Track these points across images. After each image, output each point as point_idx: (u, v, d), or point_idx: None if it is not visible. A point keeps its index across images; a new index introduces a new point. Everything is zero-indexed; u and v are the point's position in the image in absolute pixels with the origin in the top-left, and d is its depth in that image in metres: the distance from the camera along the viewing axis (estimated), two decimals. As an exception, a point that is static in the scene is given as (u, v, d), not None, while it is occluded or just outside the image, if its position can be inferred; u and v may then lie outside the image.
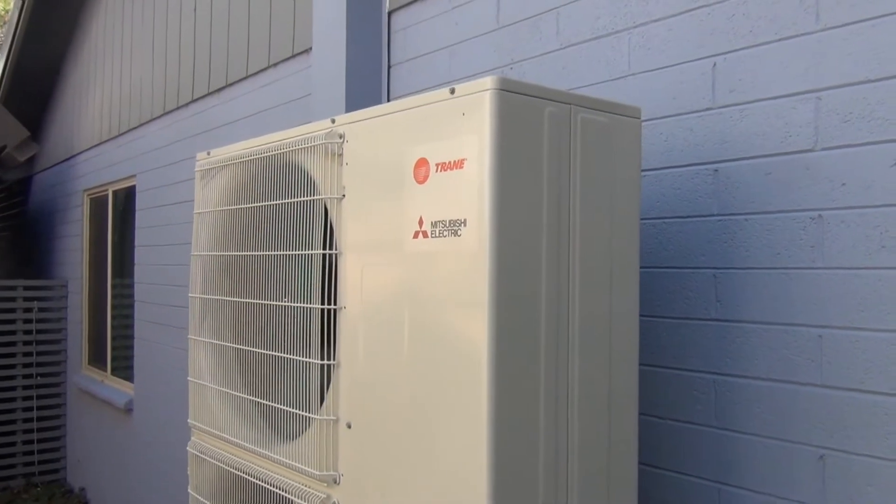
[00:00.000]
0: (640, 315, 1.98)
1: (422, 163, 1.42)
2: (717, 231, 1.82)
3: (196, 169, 2.18)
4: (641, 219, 1.99)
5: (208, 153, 2.15)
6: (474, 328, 1.30)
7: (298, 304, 1.72)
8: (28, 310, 7.10)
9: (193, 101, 4.68)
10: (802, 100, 1.67)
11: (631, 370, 1.54)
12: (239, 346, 1.96)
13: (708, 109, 1.85)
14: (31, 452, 7.12)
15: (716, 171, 1.83)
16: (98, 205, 6.67)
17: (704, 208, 1.85)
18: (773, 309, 1.71)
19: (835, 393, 1.61)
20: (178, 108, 4.94)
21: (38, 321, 7.18)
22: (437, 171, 1.39)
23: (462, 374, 1.32)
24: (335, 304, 1.63)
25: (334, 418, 1.62)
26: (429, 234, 1.40)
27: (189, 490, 2.18)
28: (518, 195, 1.31)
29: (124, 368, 6.01)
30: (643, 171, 1.99)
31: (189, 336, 2.18)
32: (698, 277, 1.86)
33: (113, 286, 6.33)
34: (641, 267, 1.98)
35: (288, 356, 1.75)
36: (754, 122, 1.76)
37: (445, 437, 1.35)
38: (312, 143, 1.69)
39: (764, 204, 1.73)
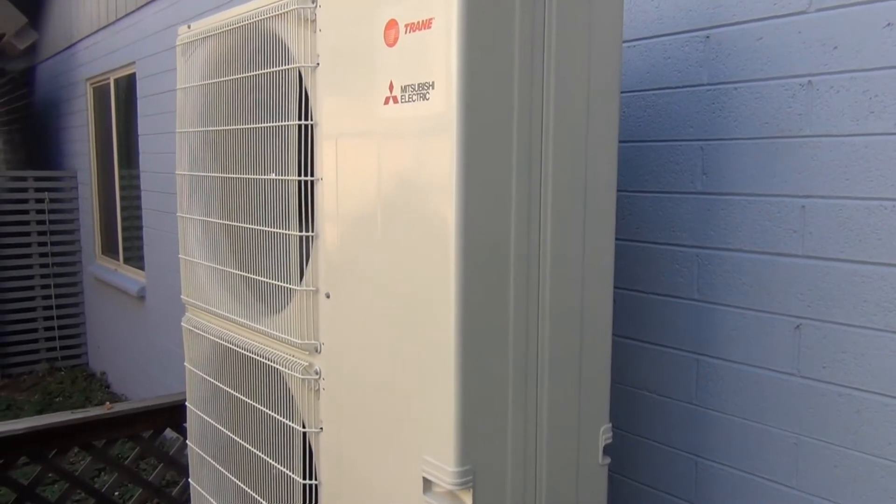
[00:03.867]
0: (627, 190, 1.96)
1: (391, 24, 1.37)
2: (706, 101, 1.77)
3: (177, 44, 2.13)
4: (631, 91, 1.93)
5: (189, 27, 2.09)
6: (442, 193, 1.28)
7: (277, 177, 1.71)
8: (40, 200, 7.18)
9: (187, -19, 4.54)
10: (799, -42, 1.58)
11: (607, 240, 1.53)
12: (224, 222, 1.97)
13: (702, -28, 1.76)
14: (53, 339, 7.36)
15: (707, 37, 1.76)
16: (101, 94, 6.60)
17: (694, 78, 1.79)
18: (759, 180, 1.68)
19: (815, 263, 1.60)
20: (172, -10, 4.80)
21: (51, 212, 7.26)
22: (406, 32, 1.34)
23: (431, 235, 1.31)
24: (312, 175, 1.62)
25: (314, 289, 1.64)
26: (399, 100, 1.36)
27: (185, 363, 2.24)
28: (488, 55, 1.27)
29: (136, 258, 6.11)
30: (635, 40, 1.92)
31: (178, 214, 2.19)
32: (685, 150, 1.82)
33: (121, 176, 6.36)
34: (630, 141, 1.94)
35: (269, 229, 1.76)
36: (748, -17, 1.67)
37: (419, 307, 1.36)
38: (285, 10, 1.63)
39: (754, 71, 1.67)
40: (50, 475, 2.86)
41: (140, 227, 5.79)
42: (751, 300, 1.71)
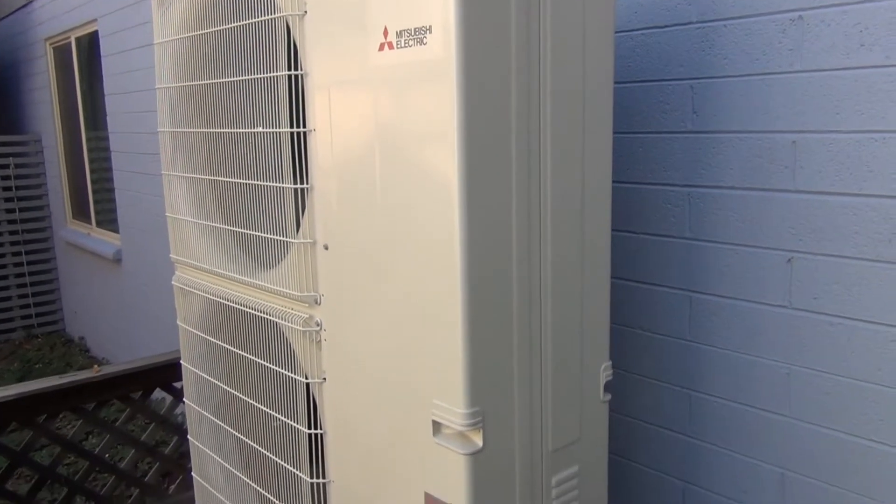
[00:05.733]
0: (618, 132, 1.96)
1: (384, -33, 1.34)
2: (696, 39, 1.77)
3: (152, -5, 2.07)
4: (620, 31, 1.93)
5: (163, -23, 2.03)
6: (443, 138, 1.27)
7: (268, 130, 1.69)
8: (4, 166, 7.00)
9: (148, -68, 4.38)
10: None
11: (605, 178, 1.54)
12: (213, 178, 1.94)
13: None
14: (28, 306, 7.27)
15: (695, -26, 1.75)
16: (62, 53, 6.41)
17: (683, 15, 1.79)
18: (749, 117, 1.70)
19: (806, 197, 1.63)
20: (133, -58, 4.63)
21: (17, 178, 7.09)
22: (399, -25, 1.31)
23: (432, 182, 1.31)
24: (304, 126, 1.60)
25: (311, 241, 1.63)
26: (394, 46, 1.34)
27: (178, 322, 2.23)
28: (485, -4, 1.25)
29: (109, 221, 6.02)
30: (621, -21, 1.91)
31: (162, 172, 2.15)
32: (675, 89, 1.83)
33: (88, 138, 6.21)
34: (620, 82, 1.94)
35: (263, 182, 1.74)
36: (737, -82, 1.66)
37: (423, 255, 1.36)
38: (269, -44, 1.59)
39: (744, 7, 1.67)
40: (41, 440, 2.85)
41: (111, 190, 5.69)
42: (743, 236, 1.74)
